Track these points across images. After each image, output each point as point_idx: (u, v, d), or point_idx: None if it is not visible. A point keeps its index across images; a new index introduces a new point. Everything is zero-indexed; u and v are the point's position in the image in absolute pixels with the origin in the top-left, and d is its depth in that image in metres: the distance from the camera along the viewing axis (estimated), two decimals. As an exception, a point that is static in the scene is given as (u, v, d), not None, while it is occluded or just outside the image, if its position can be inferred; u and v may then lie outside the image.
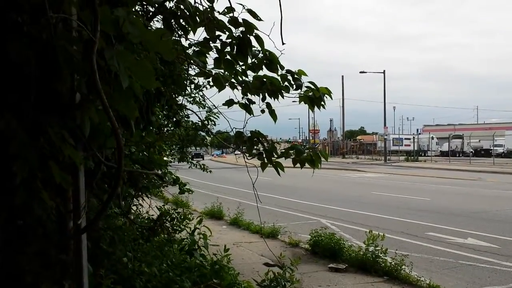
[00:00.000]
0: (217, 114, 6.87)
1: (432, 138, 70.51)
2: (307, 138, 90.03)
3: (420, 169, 40.53)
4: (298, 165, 4.55)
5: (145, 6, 3.37)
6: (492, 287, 7.65)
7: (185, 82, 4.10)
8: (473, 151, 61.60)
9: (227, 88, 4.34)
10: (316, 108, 4.30)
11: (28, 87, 2.07)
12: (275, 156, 4.62)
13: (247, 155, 4.53)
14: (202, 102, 7.18)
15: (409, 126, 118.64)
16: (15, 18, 2.11)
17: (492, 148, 56.34)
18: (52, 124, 2.13)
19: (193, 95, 6.92)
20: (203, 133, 7.85)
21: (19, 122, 2.05)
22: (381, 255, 8.08)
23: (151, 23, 3.64)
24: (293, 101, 7.53)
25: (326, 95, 4.35)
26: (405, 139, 72.11)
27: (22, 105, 2.10)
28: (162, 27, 3.52)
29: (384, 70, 55.36)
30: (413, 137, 68.95)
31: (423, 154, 65.81)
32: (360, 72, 56.35)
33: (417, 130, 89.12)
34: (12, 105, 2.08)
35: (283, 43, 3.61)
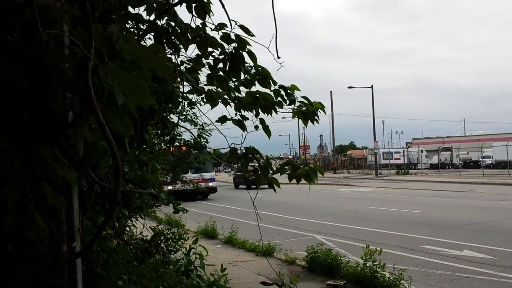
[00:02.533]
0: (209, 132, 6.82)
1: (422, 151, 70.92)
2: (298, 154, 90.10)
3: (411, 182, 40.63)
4: (293, 181, 4.52)
5: (136, 24, 3.33)
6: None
7: (179, 99, 4.05)
8: (462, 163, 61.93)
9: (220, 105, 4.30)
10: (305, 124, 4.27)
11: (19, 106, 2.01)
12: (271, 172, 4.57)
13: (243, 172, 4.48)
14: (194, 119, 7.13)
15: (398, 140, 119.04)
16: (5, 36, 2.05)
17: (480, 159, 56.67)
18: (45, 143, 2.07)
19: (184, 112, 6.86)
20: (195, 151, 7.78)
21: (10, 141, 1.98)
22: (379, 270, 8.00)
23: (142, 41, 3.60)
24: (283, 118, 7.50)
25: (319, 109, 4.33)
26: (395, 152, 72.46)
27: (13, 124, 2.04)
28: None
29: (372, 85, 55.78)
30: (403, 151, 69.32)
31: (413, 167, 66.12)
32: (349, 87, 56.78)
33: (406, 143, 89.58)
34: (3, 124, 2.02)
35: (278, 57, 3.57)
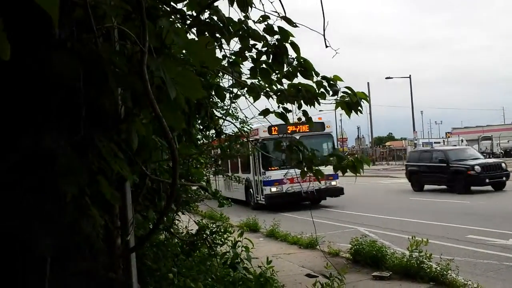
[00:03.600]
0: (251, 126, 6.85)
1: (462, 140, 69.11)
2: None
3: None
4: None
5: (181, 19, 3.35)
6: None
7: (224, 93, 4.07)
8: (503, 152, 60.09)
9: (261, 98, 4.30)
10: (349, 115, 4.22)
11: (75, 103, 2.05)
12: (315, 164, 4.55)
13: (287, 164, 4.46)
14: (235, 114, 7.16)
15: (438, 130, 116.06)
16: (58, 35, 2.09)
17: (522, 148, 54.99)
18: (101, 139, 2.10)
19: (225, 107, 6.91)
20: (237, 146, 7.82)
21: (68, 138, 2.02)
22: (425, 260, 7.86)
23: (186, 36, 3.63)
24: (320, 111, 7.45)
25: (362, 99, 4.27)
26: (435, 142, 70.92)
27: (70, 121, 2.08)
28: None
29: (410, 75, 54.76)
30: (443, 141, 67.76)
31: (454, 157, 64.52)
32: (386, 78, 55.73)
33: (446, 133, 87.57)
34: (60, 122, 2.06)
35: (326, 46, 3.53)
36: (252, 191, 21.42)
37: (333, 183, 19.83)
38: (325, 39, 3.46)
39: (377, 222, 14.80)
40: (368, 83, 69.43)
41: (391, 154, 76.98)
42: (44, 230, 2.13)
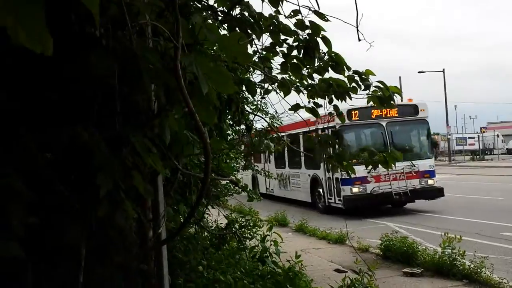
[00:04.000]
0: (281, 121, 6.85)
1: (498, 135, 67.53)
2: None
3: (487, 168, 38.92)
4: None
5: (213, 15, 3.38)
6: None
7: (255, 88, 4.09)
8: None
9: (291, 93, 4.29)
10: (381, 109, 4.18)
11: (111, 100, 2.09)
12: (345, 159, 4.52)
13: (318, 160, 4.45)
14: (265, 109, 7.18)
15: (472, 125, 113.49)
16: (93, 32, 2.13)
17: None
18: (135, 134, 2.14)
19: (255, 102, 6.93)
20: (267, 140, 7.84)
21: (103, 134, 2.07)
22: (458, 257, 7.74)
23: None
24: (350, 106, 7.30)
25: (395, 94, 4.23)
26: (469, 138, 69.53)
27: (106, 117, 2.13)
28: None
29: (444, 69, 53.76)
30: (478, 136, 66.37)
31: (489, 153, 63.23)
32: (419, 72, 54.75)
33: (480, 128, 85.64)
34: (97, 118, 2.10)
35: (359, 40, 3.50)
36: (322, 191, 17.06)
37: (430, 181, 16.45)
38: (358, 31, 3.43)
39: (408, 218, 14.65)
40: (400, 77, 68.34)
41: (423, 149, 75.76)
42: (78, 224, 2.19)
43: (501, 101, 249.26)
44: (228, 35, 2.39)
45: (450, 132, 58.48)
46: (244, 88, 4.02)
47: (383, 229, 11.48)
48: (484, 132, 75.86)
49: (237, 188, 5.90)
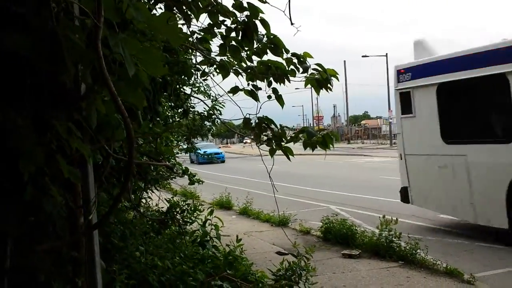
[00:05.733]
0: (223, 103, 6.79)
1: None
2: (311, 125, 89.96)
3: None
4: (309, 151, 4.46)
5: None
6: (510, 268, 7.54)
7: (192, 70, 4.01)
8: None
9: (231, 76, 4.25)
10: (318, 93, 4.20)
11: (27, 79, 1.99)
12: (284, 141, 4.52)
13: (256, 142, 4.44)
14: (207, 91, 7.09)
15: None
16: (15, 10, 2.01)
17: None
18: (59, 117, 2.05)
19: (197, 84, 6.83)
20: (209, 123, 7.77)
21: (23, 116, 1.97)
22: (395, 239, 7.98)
23: (153, 11, 3.55)
24: (296, 88, 7.40)
25: (333, 77, 4.25)
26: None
27: (26, 98, 2.02)
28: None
29: (387, 53, 55.15)
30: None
31: (428, 136, 65.31)
32: (363, 56, 56.09)
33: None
34: (18, 100, 2.00)
35: (292, 24, 3.49)
36: None
37: None
38: (290, 16, 3.43)
39: (349, 201, 14.96)
40: (344, 61, 69.68)
41: (366, 133, 77.71)
42: (3, 208, 2.10)
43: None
44: (157, 15, 2.31)
45: (391, 116, 60.03)
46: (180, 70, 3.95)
47: (325, 211, 11.66)
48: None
49: (174, 172, 5.83)
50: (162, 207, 6.64)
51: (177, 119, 6.19)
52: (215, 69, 4.00)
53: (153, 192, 6.28)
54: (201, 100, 5.42)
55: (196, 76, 4.25)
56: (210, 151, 36.92)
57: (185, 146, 8.83)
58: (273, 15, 3.82)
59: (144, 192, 5.80)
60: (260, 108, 4.09)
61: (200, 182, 7.31)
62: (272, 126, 4.45)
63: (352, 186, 18.71)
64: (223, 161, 39.74)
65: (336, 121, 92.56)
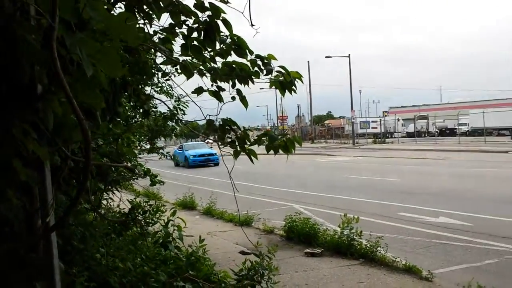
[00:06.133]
0: (186, 103, 6.74)
1: (398, 119, 71.33)
2: (276, 125, 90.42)
3: (388, 151, 41.05)
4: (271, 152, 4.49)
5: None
6: (467, 264, 7.75)
7: (153, 71, 3.97)
8: (438, 131, 62.66)
9: (196, 76, 4.23)
10: (283, 94, 4.23)
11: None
12: (248, 143, 4.53)
13: (220, 144, 4.43)
14: (170, 91, 7.04)
15: (375, 109, 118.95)
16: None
17: (456, 127, 57.36)
18: (13, 118, 2.01)
19: (160, 84, 6.77)
20: (172, 123, 7.70)
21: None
22: (356, 237, 8.12)
23: (113, 10, 3.50)
24: (260, 88, 7.41)
25: (297, 79, 4.28)
26: (372, 121, 72.96)
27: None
28: (125, 14, 3.39)
29: (349, 54, 55.88)
30: (380, 120, 69.73)
31: (390, 136, 66.74)
32: (326, 57, 56.60)
33: (383, 112, 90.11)
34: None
35: (252, 25, 3.50)
36: None
37: None
38: (250, 18, 3.44)
39: (312, 200, 15.10)
40: (308, 61, 70.08)
41: (329, 133, 78.53)
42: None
43: (406, 86, 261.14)
44: (115, 14, 2.29)
45: (354, 116, 61.00)
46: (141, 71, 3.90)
47: (288, 210, 11.76)
48: (386, 116, 79.80)
49: (136, 172, 5.76)
50: (124, 209, 6.56)
51: (139, 120, 6.13)
52: (176, 70, 3.98)
53: (114, 193, 6.20)
54: (162, 101, 5.37)
55: (157, 77, 4.21)
56: (202, 151, 32.84)
57: (147, 147, 8.76)
58: (237, 16, 3.82)
59: (105, 194, 5.71)
60: (221, 109, 4.08)
61: (161, 183, 7.26)
62: (236, 127, 4.46)
63: (316, 185, 18.91)
64: (217, 164, 31.80)
65: (300, 120, 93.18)
